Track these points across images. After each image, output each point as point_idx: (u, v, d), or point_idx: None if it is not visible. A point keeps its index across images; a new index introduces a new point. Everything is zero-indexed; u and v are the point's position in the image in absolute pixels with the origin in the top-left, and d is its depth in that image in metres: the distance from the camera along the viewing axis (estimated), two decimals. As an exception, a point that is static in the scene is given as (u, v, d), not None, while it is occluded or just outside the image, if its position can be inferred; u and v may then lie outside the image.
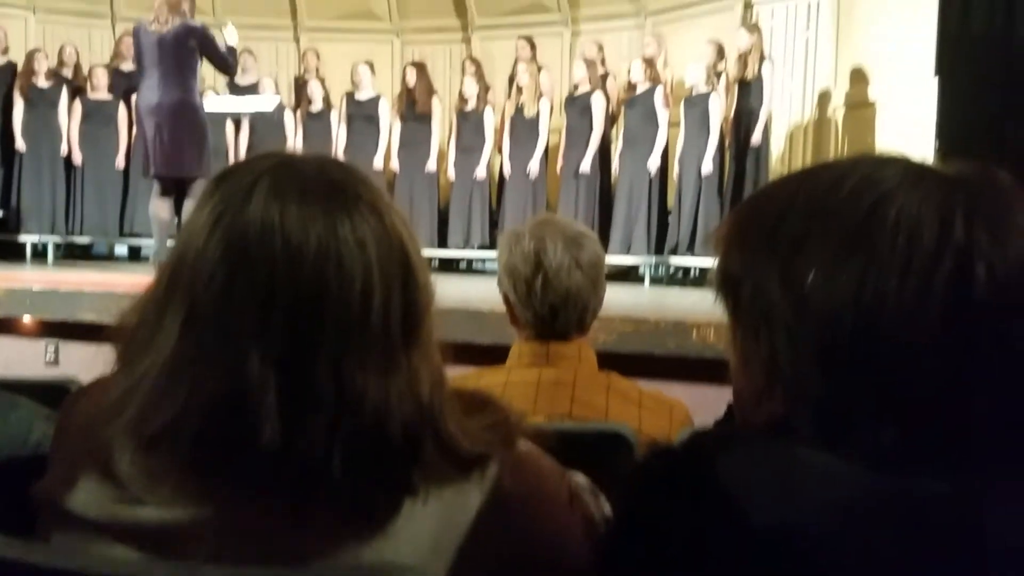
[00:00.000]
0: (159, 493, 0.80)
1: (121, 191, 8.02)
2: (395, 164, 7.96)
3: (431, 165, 7.89)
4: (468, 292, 4.61)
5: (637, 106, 7.19)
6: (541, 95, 7.61)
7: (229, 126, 8.03)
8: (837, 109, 6.95)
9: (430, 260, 4.42)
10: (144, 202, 6.73)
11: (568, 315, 1.69)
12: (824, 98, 7.03)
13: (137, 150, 7.24)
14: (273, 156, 0.88)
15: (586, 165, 7.28)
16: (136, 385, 0.82)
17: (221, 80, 7.77)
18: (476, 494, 0.83)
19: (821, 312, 0.69)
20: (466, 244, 7.90)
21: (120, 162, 7.92)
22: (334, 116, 8.08)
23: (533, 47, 7.80)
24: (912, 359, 0.67)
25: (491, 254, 6.62)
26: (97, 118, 7.87)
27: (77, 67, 8.10)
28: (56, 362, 4.48)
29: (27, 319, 4.59)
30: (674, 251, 7.08)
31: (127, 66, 7.58)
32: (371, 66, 8.05)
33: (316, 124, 8.04)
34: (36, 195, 7.85)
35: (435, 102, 7.96)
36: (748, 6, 7.37)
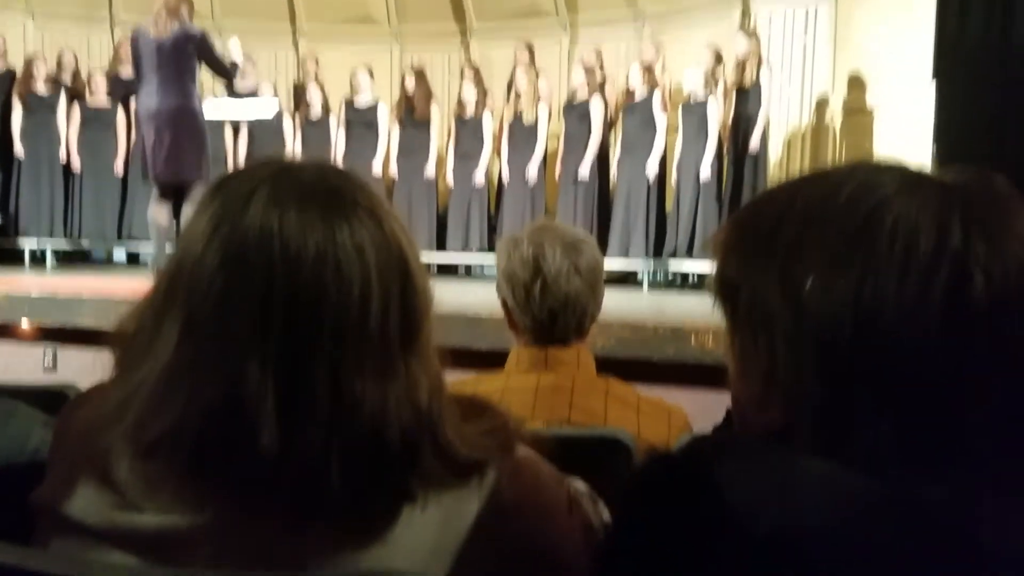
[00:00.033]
0: (157, 499, 0.80)
1: (120, 197, 8.03)
2: (394, 170, 7.95)
3: (430, 171, 7.88)
4: (467, 297, 4.61)
5: (635, 112, 7.18)
6: (539, 100, 7.61)
7: (228, 132, 8.03)
8: (835, 115, 6.96)
9: (428, 265, 4.42)
10: (142, 207, 6.75)
11: (567, 320, 1.69)
12: (822, 104, 7.04)
13: (136, 155, 7.26)
14: (272, 163, 0.88)
15: (584, 170, 7.28)
16: (134, 392, 0.82)
17: (220, 85, 7.77)
18: (475, 500, 0.82)
19: (819, 318, 0.70)
20: (464, 249, 7.89)
21: (119, 168, 7.93)
22: (333, 122, 8.07)
23: (531, 52, 7.80)
24: (909, 365, 0.67)
25: (490, 259, 6.62)
26: (96, 124, 7.88)
27: (76, 73, 8.11)
28: (54, 368, 4.47)
29: (25, 324, 4.58)
30: (672, 256, 7.08)
31: (126, 72, 7.58)
32: (370, 71, 8.05)
33: (315, 130, 8.04)
34: (35, 201, 7.86)
35: (433, 108, 7.96)
36: (746, 12, 7.38)
